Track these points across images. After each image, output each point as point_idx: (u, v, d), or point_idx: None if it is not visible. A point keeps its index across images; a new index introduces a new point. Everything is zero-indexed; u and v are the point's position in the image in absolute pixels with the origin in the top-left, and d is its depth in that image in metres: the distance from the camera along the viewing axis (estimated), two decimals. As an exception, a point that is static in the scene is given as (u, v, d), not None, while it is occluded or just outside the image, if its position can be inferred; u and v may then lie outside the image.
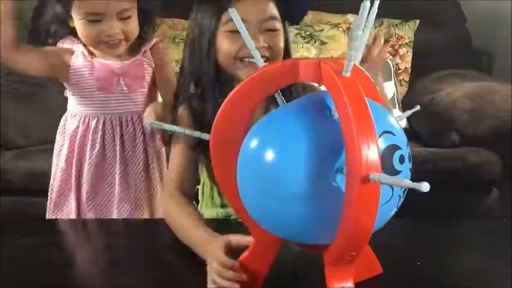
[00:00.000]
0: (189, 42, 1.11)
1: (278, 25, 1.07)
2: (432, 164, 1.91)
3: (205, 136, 0.78)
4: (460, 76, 2.31)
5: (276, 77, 0.74)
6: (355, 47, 0.66)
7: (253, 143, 0.71)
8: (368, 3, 0.63)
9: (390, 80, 2.25)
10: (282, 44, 1.08)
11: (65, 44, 1.31)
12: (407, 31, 2.43)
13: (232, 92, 0.75)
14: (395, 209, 0.73)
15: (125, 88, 1.31)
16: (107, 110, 1.31)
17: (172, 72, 1.34)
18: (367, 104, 0.65)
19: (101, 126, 1.30)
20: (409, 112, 0.86)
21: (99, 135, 1.29)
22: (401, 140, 0.71)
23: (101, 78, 1.29)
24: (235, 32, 0.99)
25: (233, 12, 0.75)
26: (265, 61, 1.02)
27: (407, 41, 2.41)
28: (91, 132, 1.30)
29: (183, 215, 0.98)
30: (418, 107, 0.87)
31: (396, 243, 0.99)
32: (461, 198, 1.95)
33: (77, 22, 1.24)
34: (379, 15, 0.73)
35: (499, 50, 2.65)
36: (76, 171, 1.29)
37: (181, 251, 0.93)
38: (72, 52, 1.31)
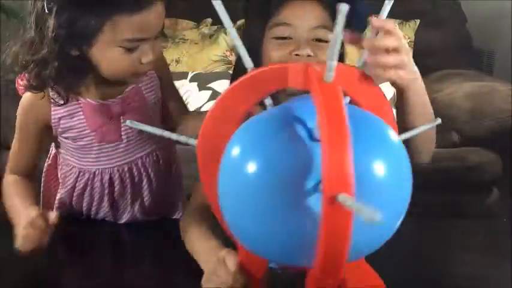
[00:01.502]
0: (236, 61, 1.07)
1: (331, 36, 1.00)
2: (432, 164, 1.90)
3: (192, 142, 0.72)
4: (460, 76, 2.31)
5: (263, 82, 0.68)
6: (333, 52, 0.60)
7: (231, 151, 0.64)
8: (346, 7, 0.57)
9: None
10: None
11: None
12: (407, 31, 2.43)
13: (219, 98, 0.69)
14: (391, 232, 0.66)
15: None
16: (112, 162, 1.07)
17: (171, 74, 1.15)
18: (345, 115, 0.56)
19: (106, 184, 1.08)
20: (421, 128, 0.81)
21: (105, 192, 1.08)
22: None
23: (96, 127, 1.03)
24: (282, 38, 0.95)
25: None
26: None
27: (407, 41, 2.41)
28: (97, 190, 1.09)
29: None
30: (439, 120, 0.81)
31: (396, 243, 0.99)
32: (462, 198, 1.95)
33: (106, 51, 0.92)
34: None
35: (500, 50, 2.65)
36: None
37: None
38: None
